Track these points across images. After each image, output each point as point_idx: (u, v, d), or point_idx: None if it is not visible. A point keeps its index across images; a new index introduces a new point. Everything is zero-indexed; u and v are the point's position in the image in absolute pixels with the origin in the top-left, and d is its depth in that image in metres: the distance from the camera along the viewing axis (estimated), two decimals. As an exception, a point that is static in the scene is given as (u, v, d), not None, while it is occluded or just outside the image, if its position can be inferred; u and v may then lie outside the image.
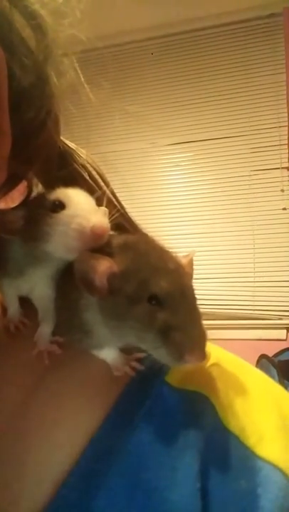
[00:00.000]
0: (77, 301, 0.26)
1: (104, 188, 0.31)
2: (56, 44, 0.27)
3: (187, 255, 0.28)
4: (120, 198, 0.33)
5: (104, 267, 0.24)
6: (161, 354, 0.23)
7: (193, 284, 0.26)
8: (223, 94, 2.13)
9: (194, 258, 0.28)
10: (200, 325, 0.24)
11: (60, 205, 0.27)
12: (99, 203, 0.29)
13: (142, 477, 0.23)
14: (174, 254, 0.27)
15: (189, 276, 0.27)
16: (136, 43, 2.23)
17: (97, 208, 0.28)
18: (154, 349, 0.24)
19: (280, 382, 1.51)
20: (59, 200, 0.27)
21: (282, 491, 0.22)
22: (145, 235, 0.31)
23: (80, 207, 0.27)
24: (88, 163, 0.32)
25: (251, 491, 0.22)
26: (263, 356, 1.70)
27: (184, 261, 0.27)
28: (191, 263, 0.28)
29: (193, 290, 0.25)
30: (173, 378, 0.27)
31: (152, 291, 0.23)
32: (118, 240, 0.27)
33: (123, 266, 0.24)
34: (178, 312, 0.23)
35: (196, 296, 0.25)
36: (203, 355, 0.23)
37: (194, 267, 0.28)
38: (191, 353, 0.22)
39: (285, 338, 1.98)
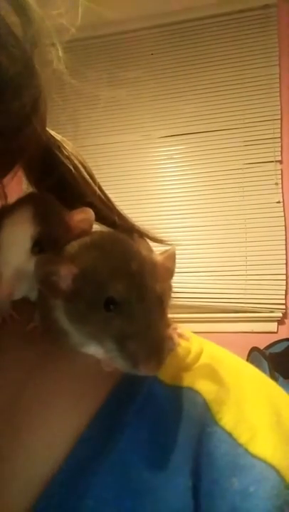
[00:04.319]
0: (47, 300, 0.26)
1: (90, 181, 0.30)
2: (43, 32, 0.26)
3: (165, 251, 0.27)
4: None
5: (64, 270, 0.23)
6: (117, 362, 0.23)
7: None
8: (216, 87, 2.11)
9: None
10: (157, 331, 0.23)
11: None
12: (87, 198, 0.28)
13: (132, 476, 0.22)
14: (144, 253, 0.25)
15: (170, 272, 0.26)
16: (129, 33, 2.20)
17: None
18: (111, 357, 0.23)
19: (271, 374, 1.53)
20: None
21: (275, 489, 0.21)
22: (118, 233, 0.29)
23: None
24: (73, 155, 0.31)
25: (244, 490, 0.21)
26: (254, 349, 1.71)
27: (159, 258, 0.26)
28: (171, 258, 0.27)
29: (156, 292, 0.24)
30: (165, 374, 0.26)
31: (109, 295, 0.22)
32: (85, 239, 0.26)
33: (83, 267, 0.23)
34: (133, 318, 0.22)
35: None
36: (158, 365, 0.22)
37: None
38: (145, 363, 0.22)
39: (276, 330, 2.00)
